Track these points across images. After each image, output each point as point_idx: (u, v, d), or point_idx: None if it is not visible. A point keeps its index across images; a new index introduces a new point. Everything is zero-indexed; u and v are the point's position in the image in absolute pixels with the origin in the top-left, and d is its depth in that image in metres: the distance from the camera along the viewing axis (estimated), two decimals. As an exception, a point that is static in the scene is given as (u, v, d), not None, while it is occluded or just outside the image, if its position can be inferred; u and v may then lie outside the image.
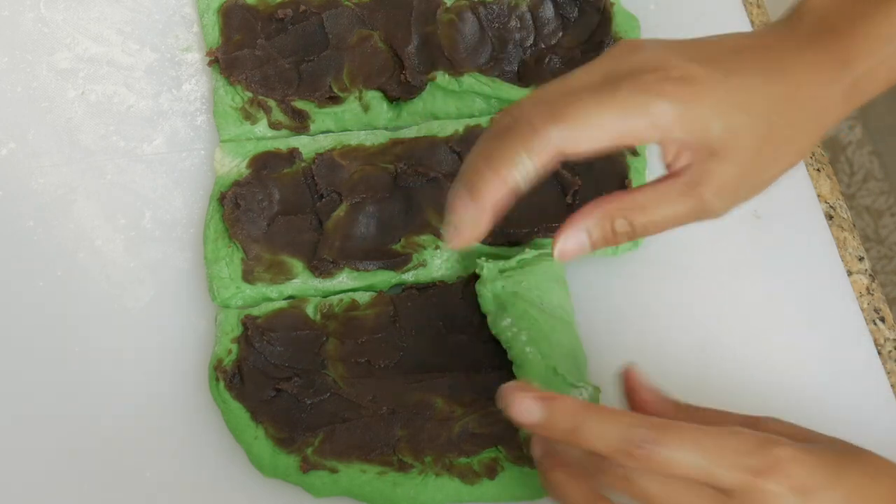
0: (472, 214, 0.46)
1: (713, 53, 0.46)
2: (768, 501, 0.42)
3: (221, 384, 0.54)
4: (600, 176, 0.60)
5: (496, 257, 0.58)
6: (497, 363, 0.55)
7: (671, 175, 0.46)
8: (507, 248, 0.58)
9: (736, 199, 0.47)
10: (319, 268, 0.57)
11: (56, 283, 0.58)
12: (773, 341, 0.58)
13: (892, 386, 0.57)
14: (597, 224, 0.46)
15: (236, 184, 0.59)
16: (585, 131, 0.44)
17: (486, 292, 0.56)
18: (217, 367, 0.54)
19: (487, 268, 0.56)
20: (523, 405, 0.45)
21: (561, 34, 0.64)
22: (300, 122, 0.62)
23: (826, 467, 0.44)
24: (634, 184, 0.60)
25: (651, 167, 0.61)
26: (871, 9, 0.47)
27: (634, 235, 0.46)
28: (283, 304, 0.57)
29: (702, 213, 0.46)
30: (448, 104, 0.63)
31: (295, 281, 0.57)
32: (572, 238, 0.47)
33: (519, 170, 0.45)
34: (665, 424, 0.43)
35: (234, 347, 0.55)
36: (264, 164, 0.60)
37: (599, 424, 0.44)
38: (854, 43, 0.47)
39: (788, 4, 0.50)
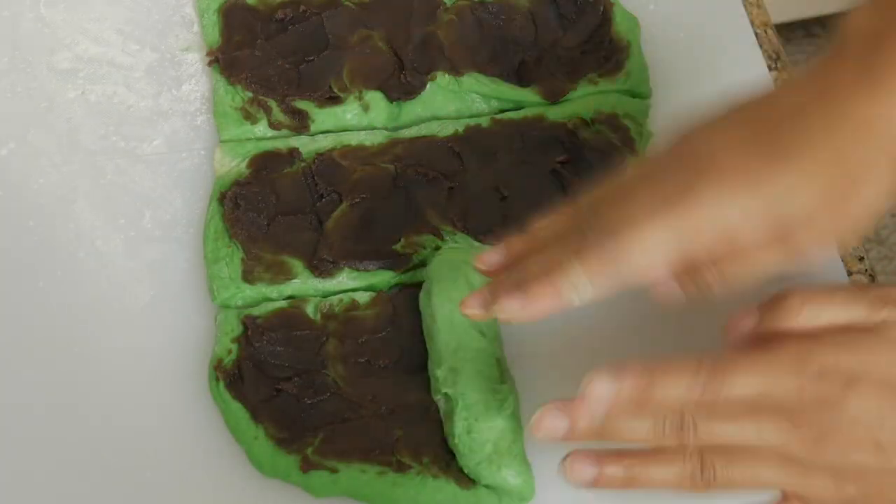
0: (517, 308, 0.46)
1: (772, 130, 0.45)
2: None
3: (221, 384, 0.54)
4: (601, 176, 0.60)
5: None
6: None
7: None
8: (507, 248, 0.58)
9: (830, 238, 0.47)
10: (319, 268, 0.57)
11: (56, 283, 0.58)
12: (773, 341, 0.58)
13: (892, 386, 0.57)
14: (689, 272, 0.46)
15: (236, 184, 0.59)
16: (653, 263, 0.44)
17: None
18: (217, 367, 0.54)
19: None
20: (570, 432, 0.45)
21: (561, 34, 0.64)
22: (300, 122, 0.62)
23: None
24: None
25: (651, 167, 0.61)
26: None
27: (726, 283, 0.46)
28: (283, 304, 0.57)
29: (796, 255, 0.46)
30: (448, 104, 0.63)
31: (295, 281, 0.57)
32: (665, 288, 0.47)
33: (578, 293, 0.45)
34: (716, 363, 0.44)
35: (234, 347, 0.55)
36: (264, 164, 0.60)
37: (663, 390, 0.44)
38: None
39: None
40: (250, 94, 0.62)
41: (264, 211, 0.58)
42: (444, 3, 0.65)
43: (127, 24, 0.66)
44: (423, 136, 0.61)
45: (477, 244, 0.58)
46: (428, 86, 0.63)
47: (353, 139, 0.61)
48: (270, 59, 0.62)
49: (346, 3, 0.65)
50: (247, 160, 0.60)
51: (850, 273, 0.60)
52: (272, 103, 0.62)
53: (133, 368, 0.56)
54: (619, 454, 0.45)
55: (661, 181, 0.45)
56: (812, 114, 0.45)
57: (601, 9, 0.65)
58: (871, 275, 0.60)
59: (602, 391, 0.44)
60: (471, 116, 0.63)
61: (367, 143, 0.61)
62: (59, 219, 0.60)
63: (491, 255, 0.49)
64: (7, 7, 0.66)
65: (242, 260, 0.57)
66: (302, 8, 0.64)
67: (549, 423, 0.45)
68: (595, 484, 0.45)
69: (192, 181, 0.61)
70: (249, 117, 0.61)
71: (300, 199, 0.59)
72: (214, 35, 0.64)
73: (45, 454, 0.54)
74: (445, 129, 0.61)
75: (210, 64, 0.63)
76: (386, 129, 0.63)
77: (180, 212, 0.60)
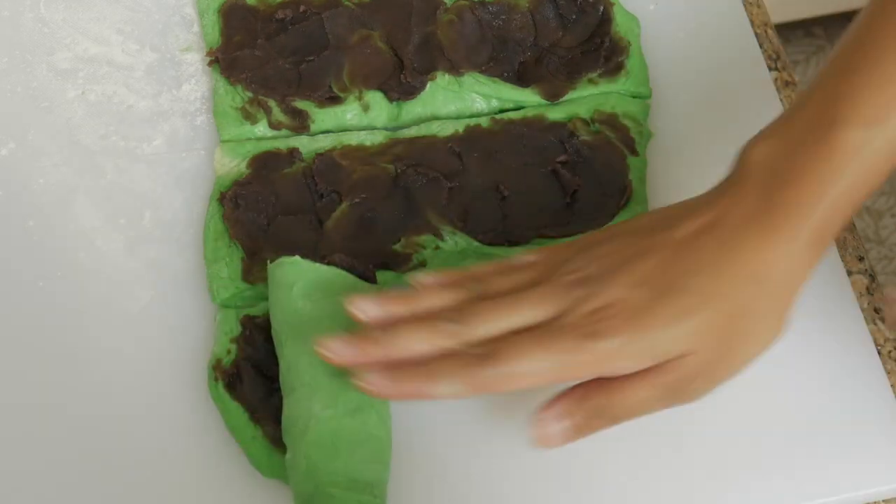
0: (381, 388, 0.46)
1: (664, 267, 0.45)
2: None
3: (220, 384, 0.54)
4: (601, 175, 0.60)
5: (494, 257, 0.58)
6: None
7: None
8: (507, 247, 0.58)
9: (711, 385, 0.46)
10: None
11: (56, 283, 0.58)
12: (773, 341, 0.58)
13: (892, 386, 0.57)
14: (574, 404, 0.46)
15: (236, 184, 0.59)
16: (525, 378, 0.45)
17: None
18: (216, 367, 0.54)
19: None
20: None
21: (561, 34, 0.64)
22: (300, 122, 0.62)
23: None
24: (635, 183, 0.60)
25: (651, 167, 0.61)
26: (813, 150, 0.45)
27: (610, 420, 0.46)
28: (282, 304, 0.57)
29: (680, 398, 0.46)
30: (448, 104, 0.63)
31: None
32: (548, 422, 0.46)
33: (450, 395, 0.46)
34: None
35: (233, 347, 0.55)
36: (264, 164, 0.60)
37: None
38: (806, 192, 0.45)
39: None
40: (250, 94, 0.62)
41: (264, 211, 0.58)
42: (444, 3, 0.65)
43: (127, 24, 0.66)
44: (423, 136, 0.61)
45: (476, 244, 0.58)
46: (428, 86, 0.63)
47: (353, 139, 0.61)
48: (270, 59, 0.62)
49: (346, 3, 0.65)
50: (247, 160, 0.60)
51: (850, 273, 0.60)
52: (272, 103, 0.62)
53: (133, 368, 0.56)
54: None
55: (550, 303, 0.46)
56: (704, 249, 0.45)
57: (601, 9, 0.65)
58: (871, 275, 0.60)
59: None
60: (471, 116, 0.63)
61: (367, 143, 0.61)
62: (59, 219, 0.60)
63: (368, 305, 0.48)
64: (7, 7, 0.66)
65: (242, 260, 0.57)
66: (302, 8, 0.64)
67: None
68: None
69: (192, 181, 0.61)
70: (249, 117, 0.61)
71: (300, 199, 0.59)
72: (214, 35, 0.64)
73: (44, 454, 0.54)
74: (445, 129, 0.61)
75: (210, 64, 0.63)
76: (386, 129, 0.63)
77: (180, 212, 0.60)
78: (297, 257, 0.54)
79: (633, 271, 0.45)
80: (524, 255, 0.50)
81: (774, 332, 0.46)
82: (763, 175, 0.45)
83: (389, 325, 0.47)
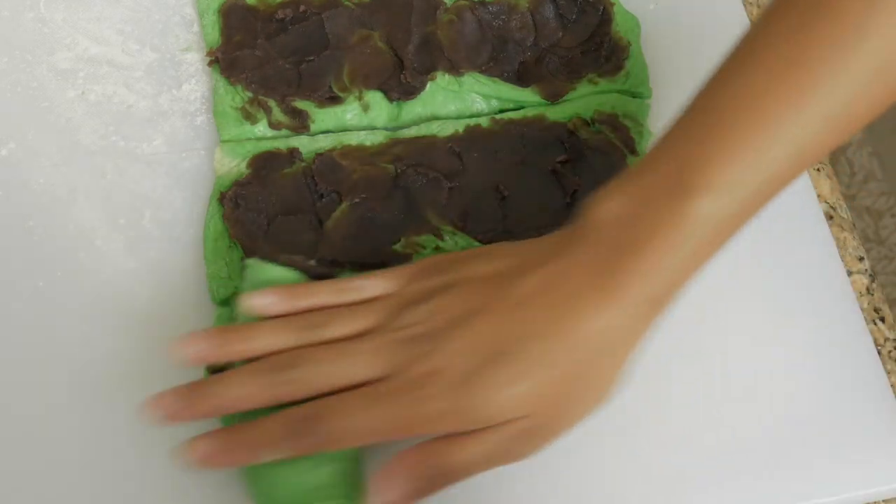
0: (204, 454, 0.46)
1: (495, 331, 0.45)
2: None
3: (220, 384, 0.54)
4: (601, 175, 0.60)
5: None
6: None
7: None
8: (507, 248, 0.58)
9: (539, 446, 0.46)
10: (320, 267, 0.57)
11: (56, 283, 0.58)
12: (772, 340, 0.58)
13: (892, 386, 0.57)
14: (412, 461, 0.45)
15: (236, 184, 0.59)
16: (352, 438, 0.45)
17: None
18: (211, 368, 0.54)
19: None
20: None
21: (561, 34, 0.64)
22: (300, 122, 0.62)
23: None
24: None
25: (651, 167, 0.61)
26: (660, 217, 0.45)
27: (446, 479, 0.46)
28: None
29: (506, 458, 0.46)
30: (448, 104, 0.63)
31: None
32: (393, 492, 0.45)
33: (274, 457, 0.46)
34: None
35: (234, 347, 0.55)
36: (264, 164, 0.60)
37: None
38: (648, 259, 0.44)
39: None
40: (250, 94, 0.62)
41: (264, 211, 0.58)
42: (444, 3, 0.65)
43: (127, 24, 0.66)
44: (423, 136, 0.61)
45: (476, 244, 0.58)
46: (428, 86, 0.63)
47: (353, 139, 0.61)
48: (270, 59, 0.62)
49: (346, 3, 0.65)
50: (247, 160, 0.60)
51: (850, 273, 0.60)
52: (272, 103, 0.62)
53: (133, 368, 0.56)
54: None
55: (381, 361, 0.46)
56: (538, 312, 0.45)
57: (601, 9, 0.65)
58: (871, 275, 0.60)
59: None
60: (471, 116, 0.63)
61: (367, 143, 0.61)
62: (59, 219, 0.60)
63: (195, 343, 0.48)
64: (7, 7, 0.66)
65: (242, 260, 0.57)
66: (302, 8, 0.64)
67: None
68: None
69: (192, 181, 0.61)
70: (249, 117, 0.62)
71: (300, 199, 0.59)
72: (214, 35, 0.64)
73: (44, 454, 0.54)
74: (445, 129, 0.61)
75: (210, 64, 0.63)
76: (386, 129, 0.63)
77: (180, 212, 0.60)
78: (255, 259, 0.54)
79: (467, 333, 0.45)
80: (371, 283, 0.50)
81: (603, 394, 0.46)
82: (606, 235, 0.45)
83: (217, 377, 0.47)
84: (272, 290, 0.50)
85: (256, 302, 0.49)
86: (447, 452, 0.45)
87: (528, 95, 0.63)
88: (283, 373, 0.46)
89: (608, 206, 0.46)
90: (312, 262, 0.56)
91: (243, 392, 0.46)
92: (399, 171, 0.60)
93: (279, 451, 0.46)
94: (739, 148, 0.44)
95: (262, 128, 0.62)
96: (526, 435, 0.45)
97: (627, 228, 0.45)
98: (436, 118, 0.63)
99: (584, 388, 0.45)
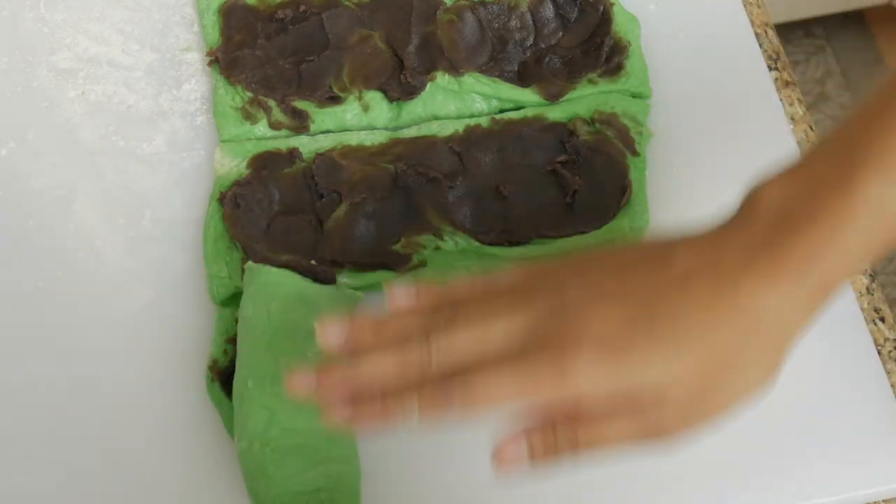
0: (341, 419, 0.44)
1: (653, 303, 0.43)
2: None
3: (217, 384, 0.54)
4: (601, 175, 0.60)
5: (494, 257, 0.58)
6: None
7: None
8: (507, 247, 0.58)
9: (685, 426, 0.44)
10: (319, 267, 0.57)
11: (56, 283, 0.58)
12: (773, 341, 0.58)
13: (892, 386, 0.57)
14: (539, 432, 0.44)
15: (236, 184, 0.59)
16: (497, 413, 0.43)
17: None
18: (212, 368, 0.54)
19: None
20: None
21: (561, 34, 0.64)
22: (300, 122, 0.62)
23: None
24: (635, 183, 0.60)
25: (651, 167, 0.61)
26: (829, 196, 0.43)
27: (578, 450, 0.44)
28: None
29: (654, 435, 0.44)
30: (448, 104, 0.63)
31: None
32: (511, 448, 0.44)
33: (409, 424, 0.44)
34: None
35: (230, 348, 0.55)
36: (264, 164, 0.60)
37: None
38: (817, 237, 0.42)
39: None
40: (250, 94, 0.62)
41: (264, 211, 0.58)
42: (444, 3, 0.65)
43: (127, 24, 0.66)
44: (423, 136, 0.61)
45: (476, 244, 0.58)
46: (428, 86, 0.63)
47: (353, 139, 0.61)
48: (270, 59, 0.62)
49: (346, 3, 0.64)
50: (247, 160, 0.60)
51: (850, 273, 0.60)
52: (272, 103, 0.62)
53: (132, 368, 0.56)
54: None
55: (524, 329, 0.44)
56: (697, 289, 0.43)
57: (601, 9, 0.65)
58: (871, 275, 0.60)
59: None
60: (471, 116, 0.63)
61: (367, 143, 0.61)
62: (59, 219, 0.60)
63: (335, 332, 0.46)
64: (7, 7, 0.66)
65: (242, 260, 0.57)
66: (302, 8, 0.64)
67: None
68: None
69: (192, 181, 0.61)
70: (249, 117, 0.61)
71: (300, 199, 0.59)
72: (214, 35, 0.64)
73: (44, 453, 0.54)
74: (445, 129, 0.61)
75: (210, 64, 0.63)
76: (386, 129, 0.63)
77: (180, 212, 0.60)
78: (249, 262, 0.55)
79: (616, 304, 0.43)
80: (506, 275, 0.48)
81: (763, 380, 0.44)
82: (773, 218, 0.43)
83: (356, 355, 0.46)
84: (409, 289, 0.47)
85: (398, 292, 0.47)
86: (582, 420, 0.43)
87: (528, 95, 0.63)
88: (421, 353, 0.44)
89: (772, 191, 0.44)
90: (312, 262, 0.56)
91: (380, 369, 0.44)
92: (399, 171, 0.59)
93: (428, 418, 0.43)
94: None
95: (262, 128, 0.62)
96: (670, 414, 0.43)
97: (795, 209, 0.43)
98: (436, 118, 0.63)
99: (741, 368, 0.43)
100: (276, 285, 0.53)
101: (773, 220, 0.43)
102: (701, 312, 0.42)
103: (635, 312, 0.43)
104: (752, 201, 0.44)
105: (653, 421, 0.43)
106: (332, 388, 0.44)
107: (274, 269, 0.54)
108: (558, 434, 0.44)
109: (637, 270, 0.44)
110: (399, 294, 0.46)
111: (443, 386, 0.43)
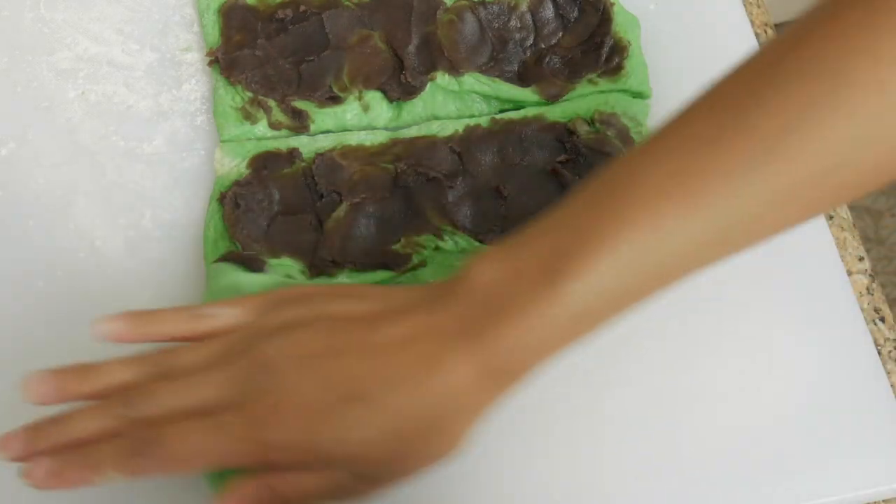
0: (41, 479, 0.46)
1: (351, 373, 0.45)
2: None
3: (221, 384, 0.54)
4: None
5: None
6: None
7: None
8: (507, 248, 0.58)
9: (375, 489, 0.46)
10: (319, 267, 0.57)
11: (56, 283, 0.58)
12: (772, 341, 0.58)
13: (892, 386, 0.57)
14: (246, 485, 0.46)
15: (236, 184, 0.59)
16: (189, 463, 0.45)
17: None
18: None
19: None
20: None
21: (561, 34, 0.64)
22: (300, 122, 0.62)
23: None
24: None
25: (651, 167, 0.61)
26: (533, 293, 0.44)
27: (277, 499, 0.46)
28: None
29: (345, 493, 0.46)
30: (448, 104, 0.63)
31: (294, 281, 0.57)
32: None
33: (107, 481, 0.45)
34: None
35: (234, 347, 0.55)
36: (264, 164, 0.60)
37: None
38: (513, 331, 0.43)
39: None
40: (250, 94, 0.62)
41: (264, 211, 0.58)
42: (444, 3, 0.65)
43: (127, 24, 0.66)
44: (423, 136, 0.61)
45: (476, 244, 0.58)
46: (428, 86, 0.63)
47: (353, 139, 0.61)
48: (270, 59, 0.62)
49: (346, 3, 0.65)
50: (247, 160, 0.60)
51: (850, 273, 0.60)
52: (272, 103, 0.62)
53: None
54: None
55: (222, 386, 0.45)
56: (400, 361, 0.44)
57: (601, 9, 0.65)
58: (871, 275, 0.60)
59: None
60: (471, 116, 0.63)
61: (367, 143, 0.61)
62: (59, 219, 0.60)
63: (41, 384, 0.47)
64: (7, 7, 0.66)
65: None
66: (302, 8, 0.64)
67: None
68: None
69: (192, 181, 0.61)
70: (249, 117, 0.62)
71: (300, 199, 0.59)
72: (214, 35, 0.64)
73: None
74: (445, 129, 0.62)
75: (210, 64, 0.63)
76: (386, 129, 0.63)
77: (180, 212, 0.60)
78: (219, 263, 0.55)
79: (324, 369, 0.45)
80: (226, 311, 0.49)
81: (448, 450, 0.46)
82: (477, 299, 0.44)
83: (65, 415, 0.47)
84: (122, 317, 0.49)
85: (106, 328, 0.48)
86: (287, 484, 0.45)
87: (528, 95, 0.63)
88: (124, 406, 0.46)
89: (484, 269, 0.45)
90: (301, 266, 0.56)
91: (92, 426, 0.46)
92: (399, 171, 0.60)
93: (119, 472, 0.45)
94: (617, 241, 0.43)
95: (262, 128, 0.62)
96: (367, 478, 0.46)
97: (498, 297, 0.44)
98: (436, 118, 0.63)
99: (431, 442, 0.45)
100: (240, 288, 0.53)
101: (475, 304, 0.44)
102: (397, 393, 0.44)
103: (336, 384, 0.44)
104: (466, 277, 0.45)
105: (344, 478, 0.45)
106: (39, 447, 0.45)
107: (241, 272, 0.54)
108: (265, 494, 0.45)
109: (345, 333, 0.46)
110: (115, 324, 0.49)
111: (137, 438, 0.44)
